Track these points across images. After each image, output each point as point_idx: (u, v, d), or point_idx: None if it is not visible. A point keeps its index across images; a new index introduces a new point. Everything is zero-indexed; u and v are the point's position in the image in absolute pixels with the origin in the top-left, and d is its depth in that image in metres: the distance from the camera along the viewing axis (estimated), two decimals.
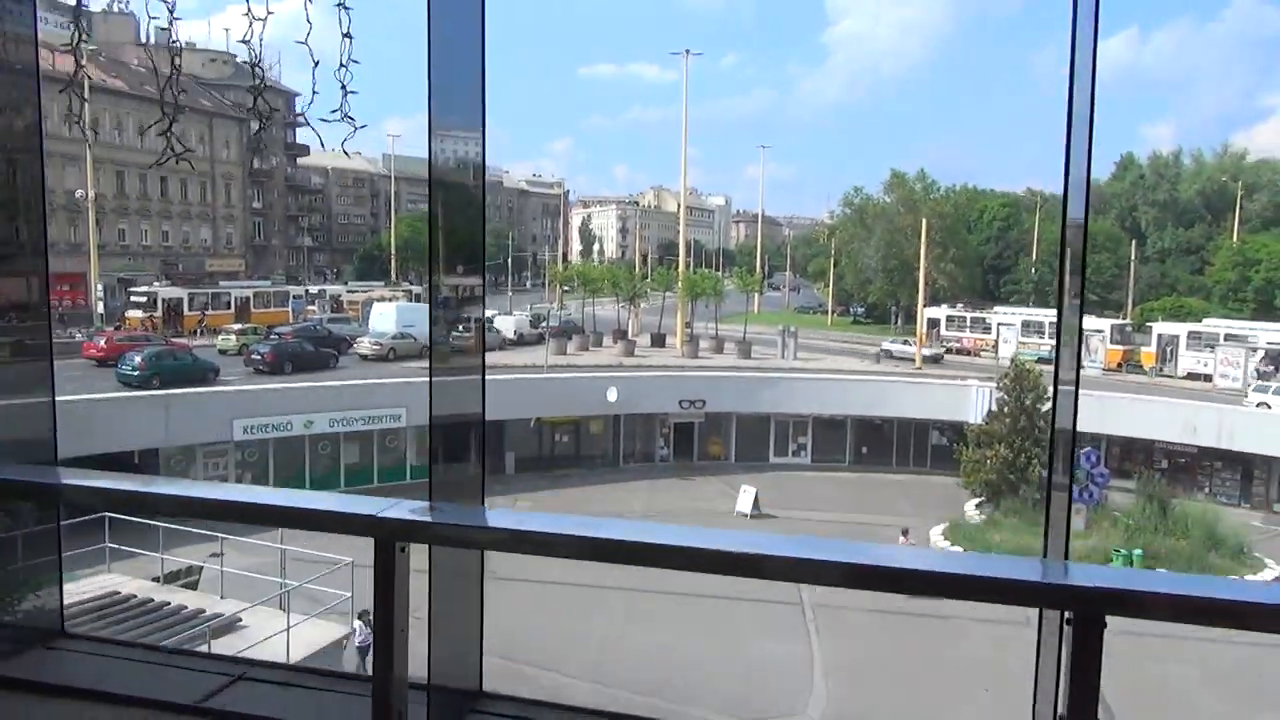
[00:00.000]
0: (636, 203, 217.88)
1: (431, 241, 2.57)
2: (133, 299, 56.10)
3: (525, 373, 42.58)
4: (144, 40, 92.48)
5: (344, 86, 2.79)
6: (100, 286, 57.78)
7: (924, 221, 58.63)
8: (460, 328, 2.84)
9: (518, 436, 38.55)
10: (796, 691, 19.83)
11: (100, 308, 57.07)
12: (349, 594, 15.01)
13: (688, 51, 56.16)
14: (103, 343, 41.31)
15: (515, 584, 25.53)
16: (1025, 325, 59.22)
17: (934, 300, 66.33)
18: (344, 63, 2.77)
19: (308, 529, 2.35)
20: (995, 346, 63.06)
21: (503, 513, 2.59)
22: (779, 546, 2.01)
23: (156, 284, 59.40)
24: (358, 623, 16.78)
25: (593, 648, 21.54)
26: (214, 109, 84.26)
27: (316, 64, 2.75)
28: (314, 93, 2.85)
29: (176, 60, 2.89)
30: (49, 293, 3.43)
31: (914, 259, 79.99)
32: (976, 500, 34.02)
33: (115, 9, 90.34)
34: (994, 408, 34.88)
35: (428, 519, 2.34)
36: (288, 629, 13.77)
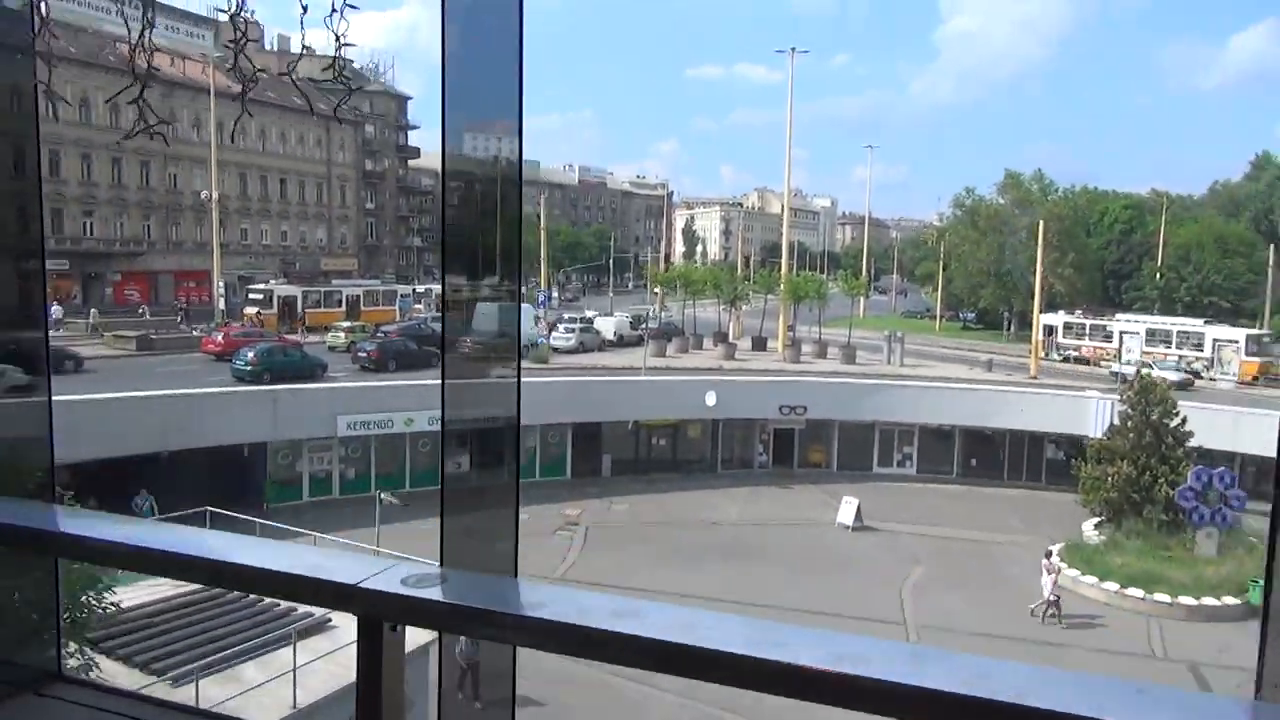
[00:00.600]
0: (740, 204, 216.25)
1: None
2: (250, 296, 58.26)
3: (624, 374, 42.33)
4: (267, 47, 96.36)
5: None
6: (222, 284, 60.18)
7: (1042, 224, 55.83)
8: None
9: (615, 439, 38.28)
10: None
11: (221, 304, 59.44)
12: None
13: (793, 50, 54.97)
14: (220, 338, 42.91)
15: (596, 590, 25.21)
16: (1151, 334, 56.01)
17: (1050, 306, 63.37)
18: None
19: (274, 595, 1.82)
20: (1117, 356, 59.89)
21: (538, 587, 1.92)
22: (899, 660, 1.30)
23: (273, 282, 61.59)
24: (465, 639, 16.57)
25: None
26: (331, 112, 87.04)
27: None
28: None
29: (150, 16, 2.47)
30: (46, 297, 3.04)
31: (1028, 263, 76.77)
32: (1095, 519, 32.07)
33: (241, 17, 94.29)
34: (1116, 421, 32.83)
35: (431, 594, 1.72)
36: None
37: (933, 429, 40.44)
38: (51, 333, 38.91)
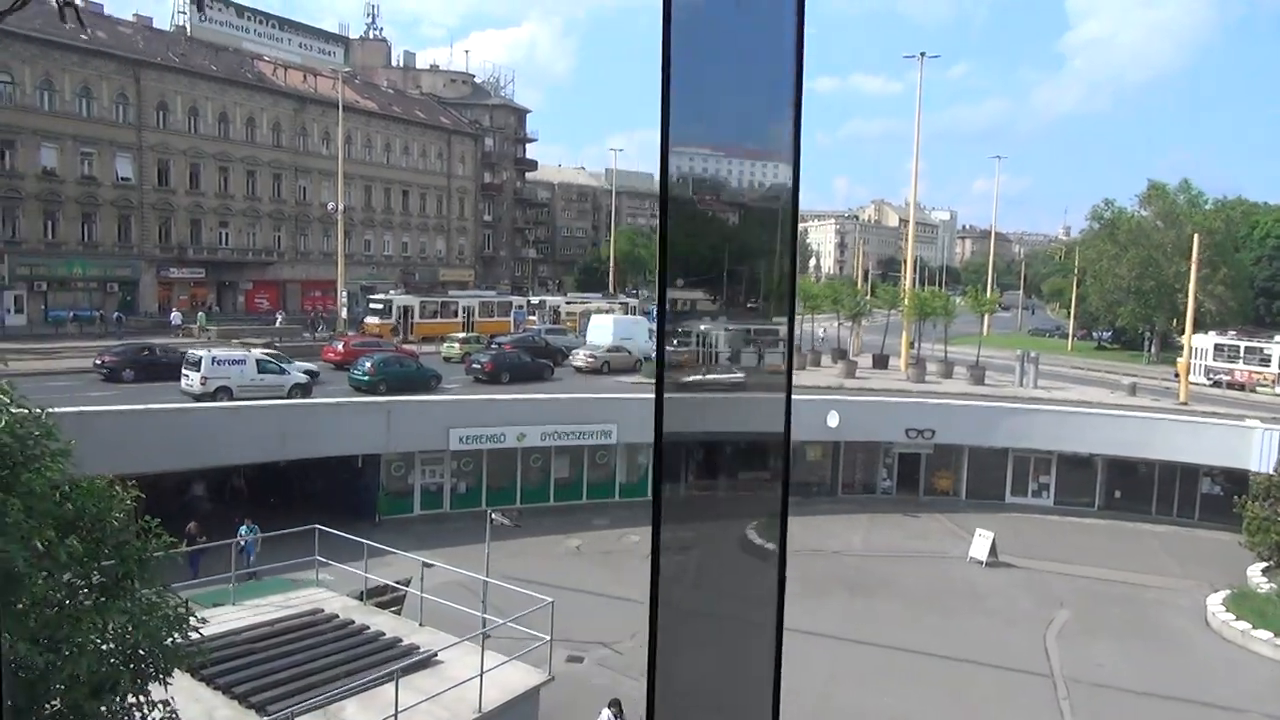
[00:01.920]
0: (856, 217, 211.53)
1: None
2: (371, 306, 59.28)
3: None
4: (393, 63, 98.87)
5: None
6: (345, 293, 61.51)
7: (1195, 238, 51.70)
8: None
9: None
10: None
11: (344, 313, 60.75)
12: (548, 637, 13.84)
13: (922, 55, 52.44)
14: (340, 347, 43.50)
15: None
16: None
17: (1196, 326, 58.77)
18: None
19: None
20: (1276, 381, 55.04)
21: None
22: None
23: (393, 292, 62.55)
24: (606, 711, 15.65)
25: (808, 704, 19.41)
26: (452, 126, 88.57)
27: None
28: None
29: None
30: None
31: (1173, 279, 71.73)
32: (1263, 564, 28.90)
33: (369, 35, 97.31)
34: None
35: None
36: (481, 673, 12.74)
37: (1071, 457, 37.58)
38: (172, 338, 39.98)
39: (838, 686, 20.50)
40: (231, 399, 30.98)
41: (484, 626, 15.27)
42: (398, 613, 18.32)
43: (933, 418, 37.21)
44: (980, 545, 30.01)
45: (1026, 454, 37.67)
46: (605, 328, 52.94)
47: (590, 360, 47.60)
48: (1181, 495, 36.57)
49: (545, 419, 32.39)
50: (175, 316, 57.46)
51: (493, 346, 47.40)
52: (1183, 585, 28.25)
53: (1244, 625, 24.27)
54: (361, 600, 16.83)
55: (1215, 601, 26.06)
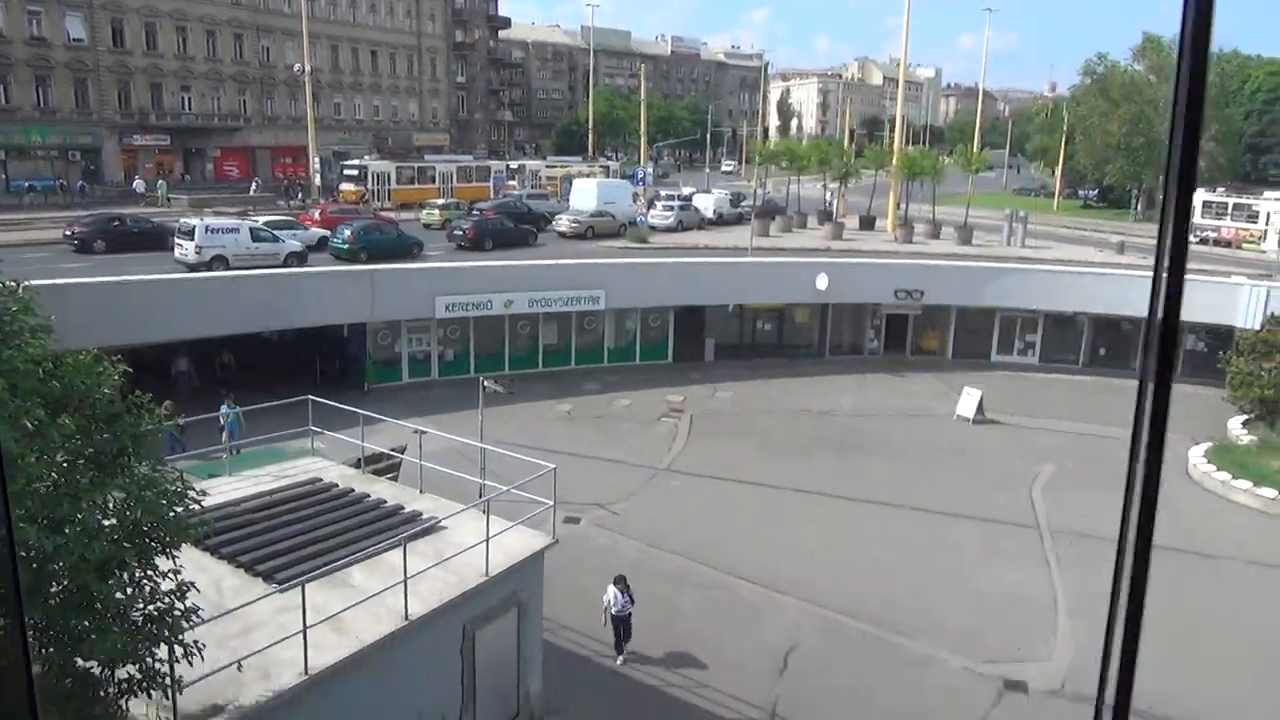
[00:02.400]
0: (839, 76, 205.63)
1: None
2: (345, 172, 57.56)
3: (727, 255, 40.40)
4: None
5: None
6: (317, 159, 59.59)
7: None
8: None
9: (718, 322, 36.70)
10: (1038, 631, 17.41)
11: (317, 180, 59.01)
12: (550, 502, 13.80)
13: None
14: (317, 215, 42.35)
15: (703, 481, 24.19)
16: None
17: None
18: None
19: None
20: (1263, 237, 55.01)
21: None
22: None
23: (367, 157, 60.66)
24: (612, 588, 15.64)
25: (800, 560, 19.82)
26: None
27: None
28: None
29: None
30: None
31: (1165, 135, 70.51)
32: (1243, 418, 29.41)
33: None
34: (1277, 312, 29.70)
35: None
36: (487, 538, 12.72)
37: (1058, 316, 37.65)
38: (138, 208, 38.89)
39: (828, 541, 20.91)
40: (228, 269, 30.28)
41: (484, 493, 15.24)
42: (394, 480, 18.29)
43: (921, 278, 36.99)
44: (967, 403, 30.29)
45: (1014, 313, 37.67)
46: (589, 192, 51.78)
47: (574, 225, 46.72)
48: None
49: (532, 285, 31.87)
50: (139, 184, 55.67)
51: (474, 213, 46.33)
52: (1167, 438, 28.70)
53: (1224, 476, 24.82)
54: (359, 469, 16.73)
55: (1197, 454, 26.57)
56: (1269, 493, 23.70)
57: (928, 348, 38.35)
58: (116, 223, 35.60)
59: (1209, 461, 25.88)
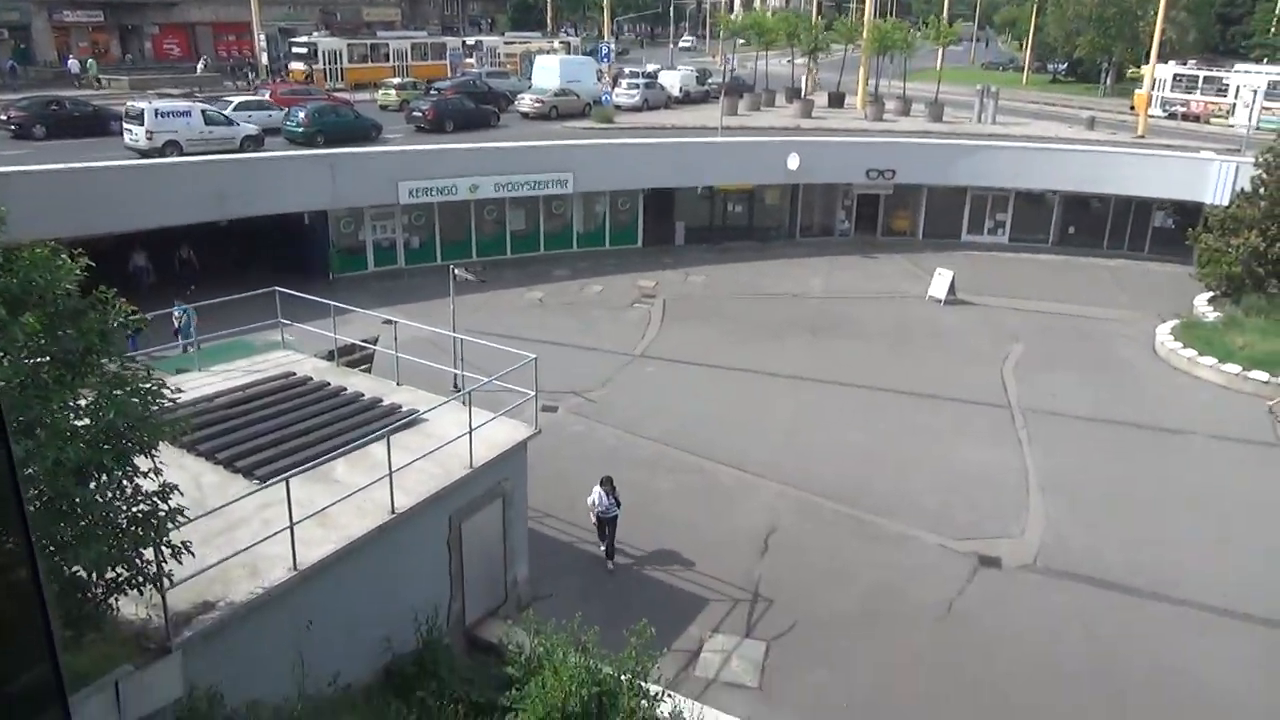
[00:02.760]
0: None
1: None
2: (294, 50, 54.84)
3: (696, 135, 39.41)
4: None
5: None
6: (262, 36, 56.65)
7: None
8: None
9: (688, 205, 36.05)
10: (1010, 508, 17.83)
11: (264, 58, 56.24)
12: (532, 393, 13.60)
13: None
14: (267, 95, 40.46)
15: (678, 366, 24.13)
16: (1275, 86, 50.66)
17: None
18: None
19: None
20: (1231, 111, 54.72)
21: None
22: None
23: (316, 34, 57.74)
24: (598, 489, 15.27)
25: (775, 443, 19.98)
26: None
27: None
28: None
29: None
30: None
31: (1136, 5, 69.32)
32: (1208, 295, 29.75)
33: None
34: (1245, 187, 29.69)
35: None
36: (470, 430, 12.54)
37: (1028, 194, 37.46)
38: (74, 89, 36.79)
39: (802, 423, 21.08)
40: (181, 154, 28.96)
41: (463, 384, 15.00)
42: (368, 371, 17.99)
43: (893, 157, 36.44)
44: (939, 284, 30.30)
45: (984, 192, 37.39)
46: (551, 70, 49.97)
47: (537, 105, 45.24)
48: (1134, 229, 36.98)
49: (497, 169, 30.90)
50: (73, 64, 52.68)
51: (432, 92, 44.58)
52: (1132, 316, 29.07)
53: (1190, 353, 25.23)
54: (332, 361, 16.35)
55: (1164, 331, 26.92)
56: (1233, 369, 24.15)
57: (898, 229, 38.11)
58: (55, 106, 33.71)
59: (1175, 339, 26.25)
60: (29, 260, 7.96)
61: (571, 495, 16.48)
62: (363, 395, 14.54)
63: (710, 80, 58.18)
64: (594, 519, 15.62)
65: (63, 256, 8.24)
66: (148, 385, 8.41)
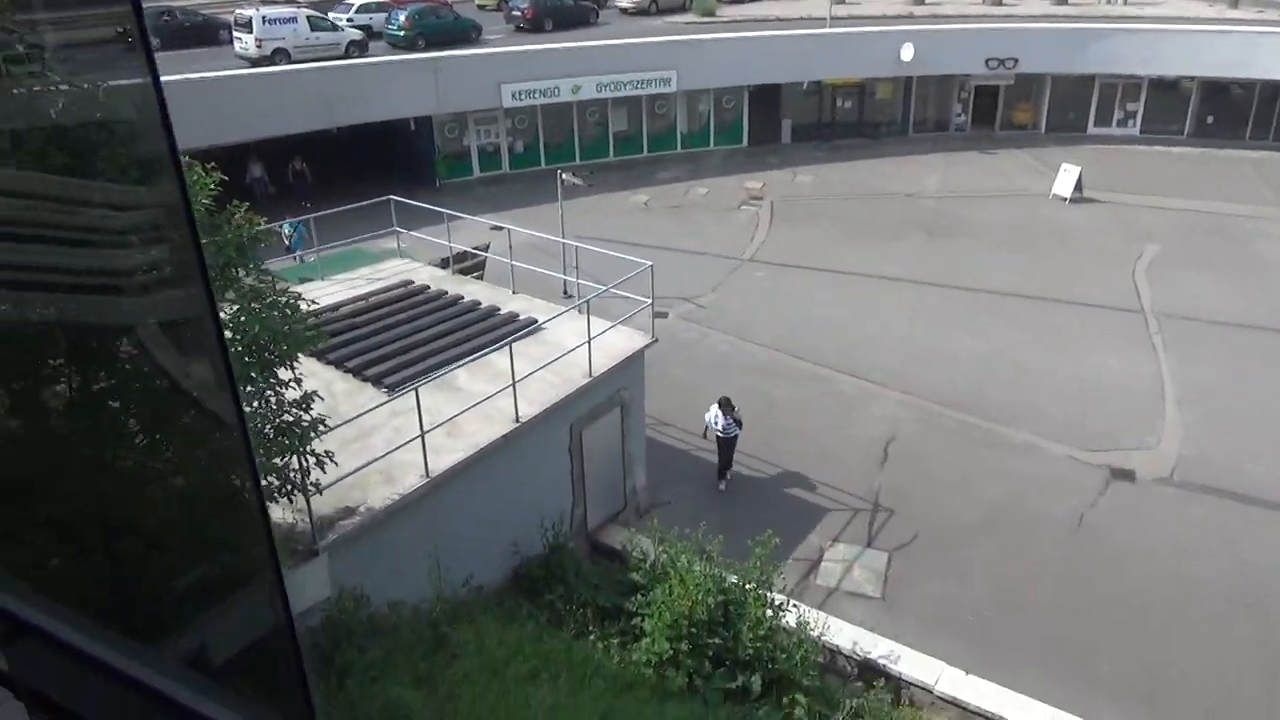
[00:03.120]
0: None
1: None
2: None
3: (800, 26, 37.65)
4: None
5: None
6: None
7: None
8: None
9: (794, 101, 34.73)
10: (1144, 418, 17.03)
11: None
12: (648, 300, 13.41)
13: None
14: None
15: (789, 270, 23.55)
16: None
17: None
18: None
19: None
20: None
21: None
22: None
23: None
24: (715, 409, 14.70)
25: (892, 349, 19.44)
26: None
27: None
28: None
29: None
30: None
31: None
32: None
33: None
34: None
35: None
36: (589, 339, 12.47)
37: (1161, 82, 34.79)
38: (183, 0, 36.60)
39: (921, 329, 20.42)
40: (290, 61, 29.14)
41: (580, 292, 14.90)
42: (480, 279, 18.06)
43: (1014, 45, 34.17)
44: (1065, 180, 28.64)
45: (1114, 80, 34.90)
46: None
47: (637, 0, 43.80)
48: None
49: (600, 68, 30.19)
50: None
51: None
52: (1278, 213, 27.04)
53: None
54: (447, 269, 16.45)
55: None
56: None
57: (1019, 121, 36.03)
58: (167, 17, 34.23)
59: None
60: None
61: (685, 402, 16.42)
62: (479, 304, 14.59)
63: None
64: (712, 438, 15.18)
65: (198, 170, 8.29)
66: (285, 298, 8.52)
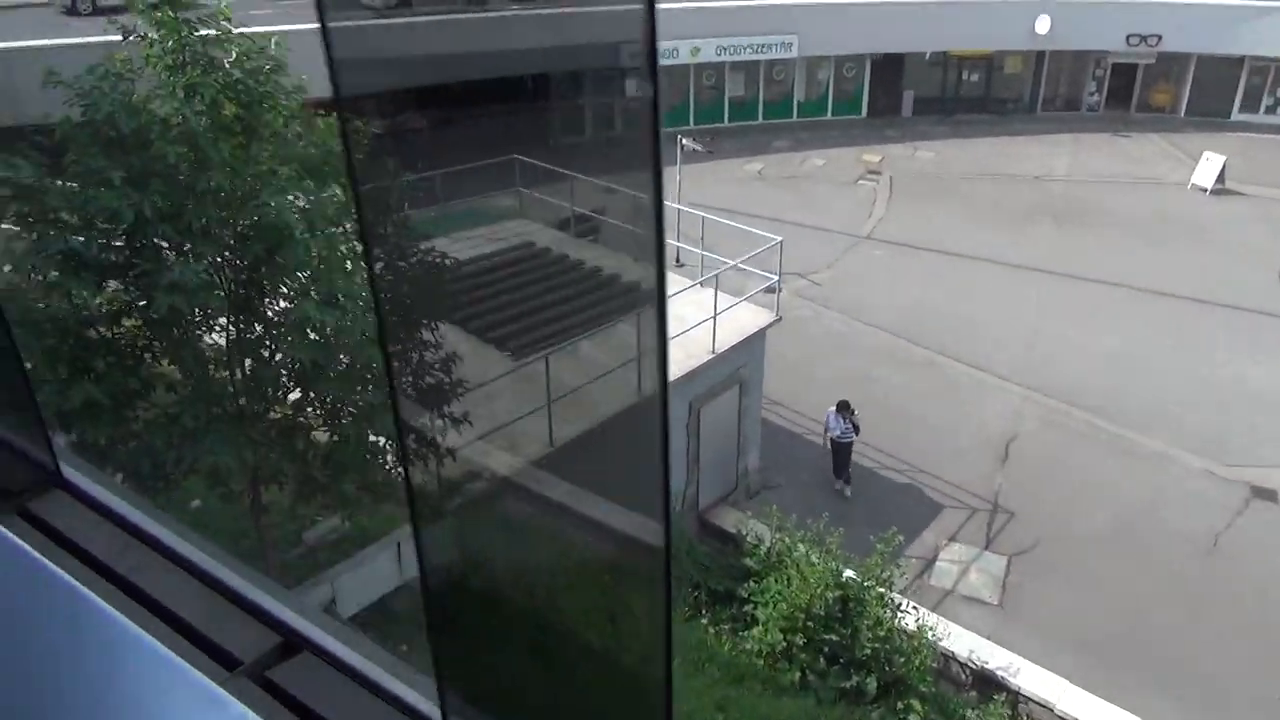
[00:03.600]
0: None
1: None
2: None
3: None
4: None
5: None
6: None
7: None
8: None
9: (917, 71, 33.44)
10: None
11: None
12: (776, 275, 13.04)
13: None
14: None
15: (908, 251, 22.75)
16: None
17: None
18: None
19: None
20: None
21: None
22: None
23: None
24: (833, 412, 13.95)
25: (1016, 341, 18.63)
26: None
27: None
28: None
29: None
30: None
31: None
32: None
33: None
34: None
35: None
36: (715, 315, 12.18)
37: None
38: None
39: (1050, 323, 19.50)
40: None
41: (681, 259, 14.57)
42: (594, 241, 17.87)
43: (1160, 20, 32.12)
44: (1206, 170, 26.95)
45: (1266, 63, 32.61)
46: None
47: None
48: None
49: (720, 30, 29.49)
50: None
51: None
52: None
53: None
54: (566, 231, 16.29)
55: None
56: None
57: (1157, 104, 34.03)
58: None
59: None
60: (325, 129, 7.97)
61: (797, 383, 16.04)
62: (601, 270, 14.39)
63: None
64: (827, 443, 14.49)
65: (356, 123, 8.20)
66: (433, 258, 8.44)
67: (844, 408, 13.97)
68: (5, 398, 1.45)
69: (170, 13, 6.99)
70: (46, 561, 1.28)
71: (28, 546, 1.30)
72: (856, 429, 14.04)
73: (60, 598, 1.24)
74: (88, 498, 1.43)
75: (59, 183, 6.59)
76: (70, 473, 1.45)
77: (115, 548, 1.37)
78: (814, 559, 10.48)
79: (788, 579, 10.32)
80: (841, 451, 14.24)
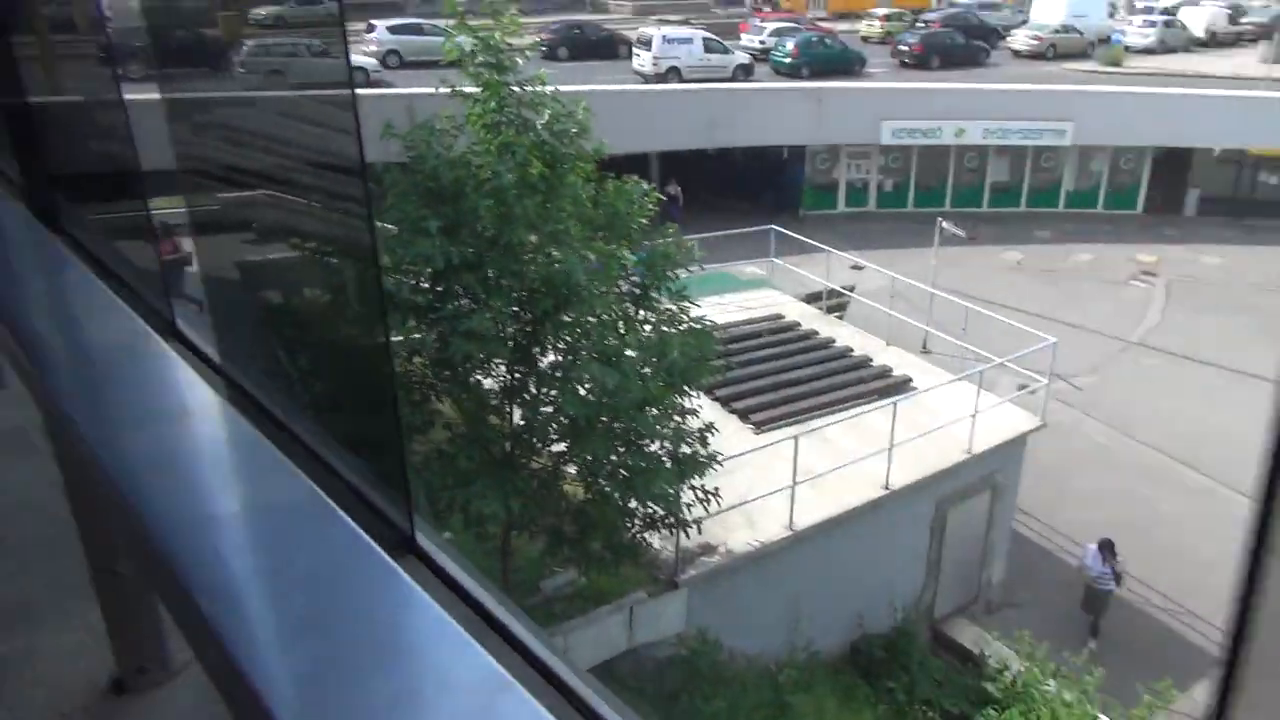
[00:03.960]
0: None
1: None
2: None
3: (1226, 85, 33.30)
4: None
5: None
6: None
7: None
8: None
9: (1206, 169, 30.77)
10: None
11: None
12: (1045, 380, 12.10)
13: None
14: (759, 23, 41.05)
15: (1186, 364, 20.60)
16: None
17: None
18: None
19: None
20: None
21: None
22: None
23: None
24: (1093, 549, 12.31)
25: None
26: None
27: None
28: None
29: None
30: None
31: None
32: None
33: None
34: None
35: None
36: (975, 413, 11.42)
37: None
38: (588, 15, 39.14)
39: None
40: (681, 80, 30.33)
41: (928, 345, 13.82)
42: (840, 318, 17.46)
43: None
44: None
45: None
46: (1055, 2, 45.07)
47: (1033, 43, 41.09)
48: None
49: (986, 113, 28.46)
50: None
51: (919, 25, 42.29)
52: None
53: None
54: (815, 305, 16.00)
55: None
56: None
57: None
58: (578, 31, 36.97)
59: None
60: (615, 192, 8.17)
61: (1054, 495, 14.79)
62: (851, 351, 13.98)
63: (1246, 18, 49.05)
64: (1082, 576, 12.75)
65: (643, 187, 8.37)
66: (700, 325, 8.42)
67: (1106, 547, 12.28)
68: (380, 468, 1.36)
69: (495, 75, 7.44)
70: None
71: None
72: (1119, 578, 12.32)
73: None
74: (434, 565, 1.32)
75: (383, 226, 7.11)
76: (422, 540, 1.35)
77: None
78: (1067, 697, 9.46)
79: (1036, 716, 9.36)
80: (1097, 599, 12.47)
